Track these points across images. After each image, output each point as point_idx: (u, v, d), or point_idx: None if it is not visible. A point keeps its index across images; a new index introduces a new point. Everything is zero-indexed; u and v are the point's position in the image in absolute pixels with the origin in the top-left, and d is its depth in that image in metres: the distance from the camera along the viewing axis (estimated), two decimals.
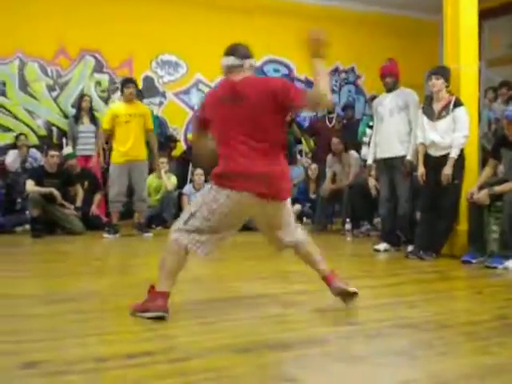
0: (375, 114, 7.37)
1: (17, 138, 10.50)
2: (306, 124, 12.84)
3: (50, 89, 11.18)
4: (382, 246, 7.05)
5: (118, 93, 10.53)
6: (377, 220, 8.66)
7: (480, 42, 6.95)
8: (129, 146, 8.62)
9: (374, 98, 9.62)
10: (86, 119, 10.38)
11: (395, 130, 6.93)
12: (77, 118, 10.38)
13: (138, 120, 8.72)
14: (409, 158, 6.82)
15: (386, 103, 7.05)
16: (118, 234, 8.67)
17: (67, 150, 9.93)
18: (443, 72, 6.45)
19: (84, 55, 11.35)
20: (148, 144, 8.98)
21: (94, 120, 10.44)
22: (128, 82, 9.02)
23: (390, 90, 7.10)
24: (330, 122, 11.61)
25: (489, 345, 3.10)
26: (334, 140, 9.55)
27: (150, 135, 8.97)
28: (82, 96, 10.69)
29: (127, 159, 8.63)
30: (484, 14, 7.32)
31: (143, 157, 8.81)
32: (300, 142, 12.30)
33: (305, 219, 10.78)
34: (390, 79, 7.06)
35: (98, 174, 10.11)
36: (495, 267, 5.65)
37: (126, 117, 8.65)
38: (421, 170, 6.50)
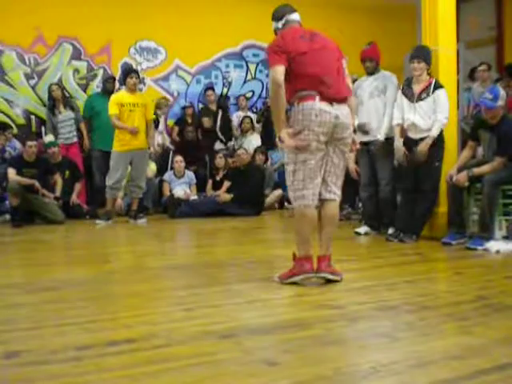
0: (354, 97, 7.36)
1: (2, 128, 10.41)
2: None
3: (28, 77, 11.08)
4: (363, 229, 7.08)
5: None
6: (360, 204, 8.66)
7: (458, 24, 6.95)
8: (131, 134, 8.64)
9: (353, 81, 9.61)
10: (62, 108, 10.30)
11: (375, 113, 6.93)
12: (53, 109, 10.30)
13: (141, 110, 8.82)
14: (380, 138, 6.81)
15: (366, 86, 7.05)
16: (111, 220, 8.71)
17: (49, 138, 9.86)
18: (425, 55, 6.43)
19: (62, 42, 11.25)
20: None
21: (70, 106, 10.37)
22: (131, 71, 9.07)
23: (370, 73, 7.09)
24: None
25: (470, 325, 3.12)
26: None
27: (150, 125, 9.03)
28: (50, 86, 10.54)
29: (129, 148, 8.68)
30: None
31: (144, 145, 8.88)
32: None
33: (286, 204, 10.79)
34: (371, 63, 7.03)
35: (79, 163, 10.11)
36: (475, 248, 5.68)
37: (129, 106, 8.75)
38: (401, 150, 6.49)
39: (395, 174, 6.85)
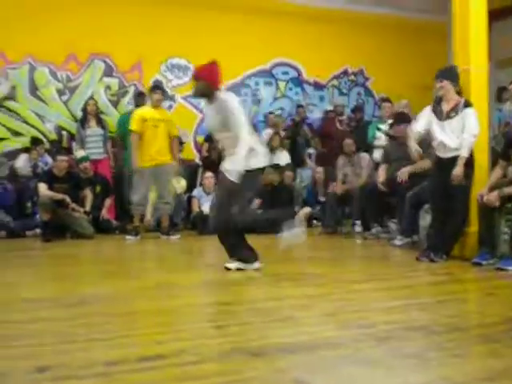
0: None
1: (35, 143, 10.54)
2: (315, 126, 12.83)
3: (60, 93, 11.22)
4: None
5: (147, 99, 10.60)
6: (394, 225, 8.54)
7: (489, 43, 6.91)
8: (156, 149, 8.83)
9: (384, 99, 9.59)
10: (92, 123, 10.42)
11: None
12: (83, 122, 10.42)
13: (165, 125, 8.95)
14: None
15: (209, 118, 6.09)
16: (139, 235, 8.77)
17: (80, 153, 9.96)
18: (447, 74, 6.40)
19: (94, 59, 11.40)
20: None
21: (101, 123, 10.48)
22: (156, 88, 9.23)
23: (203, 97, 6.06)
24: (341, 125, 11.62)
25: (500, 347, 3.08)
26: (348, 141, 9.53)
27: (175, 141, 9.15)
28: (87, 100, 10.72)
29: (154, 163, 8.80)
30: (493, 15, 7.28)
31: (169, 160, 8.94)
32: (309, 145, 12.26)
33: (315, 222, 10.77)
34: (198, 84, 5.90)
35: (109, 178, 10.19)
36: (506, 269, 5.62)
37: (154, 121, 8.86)
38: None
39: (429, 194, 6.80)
